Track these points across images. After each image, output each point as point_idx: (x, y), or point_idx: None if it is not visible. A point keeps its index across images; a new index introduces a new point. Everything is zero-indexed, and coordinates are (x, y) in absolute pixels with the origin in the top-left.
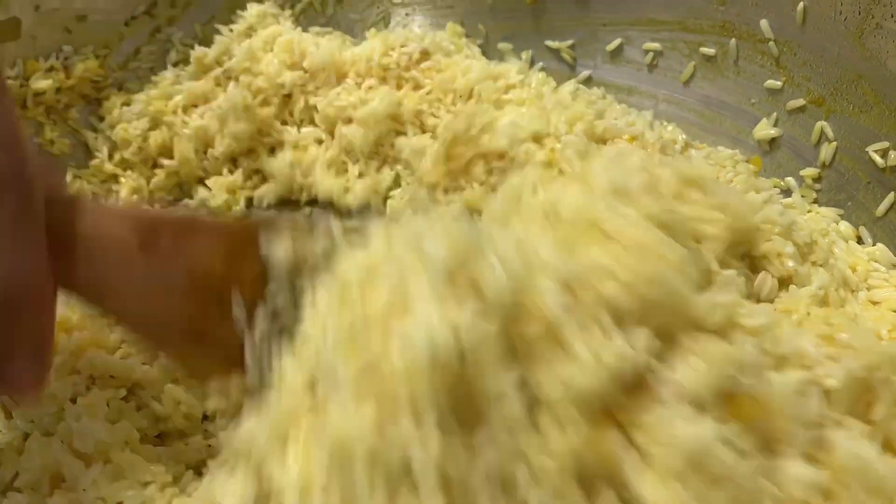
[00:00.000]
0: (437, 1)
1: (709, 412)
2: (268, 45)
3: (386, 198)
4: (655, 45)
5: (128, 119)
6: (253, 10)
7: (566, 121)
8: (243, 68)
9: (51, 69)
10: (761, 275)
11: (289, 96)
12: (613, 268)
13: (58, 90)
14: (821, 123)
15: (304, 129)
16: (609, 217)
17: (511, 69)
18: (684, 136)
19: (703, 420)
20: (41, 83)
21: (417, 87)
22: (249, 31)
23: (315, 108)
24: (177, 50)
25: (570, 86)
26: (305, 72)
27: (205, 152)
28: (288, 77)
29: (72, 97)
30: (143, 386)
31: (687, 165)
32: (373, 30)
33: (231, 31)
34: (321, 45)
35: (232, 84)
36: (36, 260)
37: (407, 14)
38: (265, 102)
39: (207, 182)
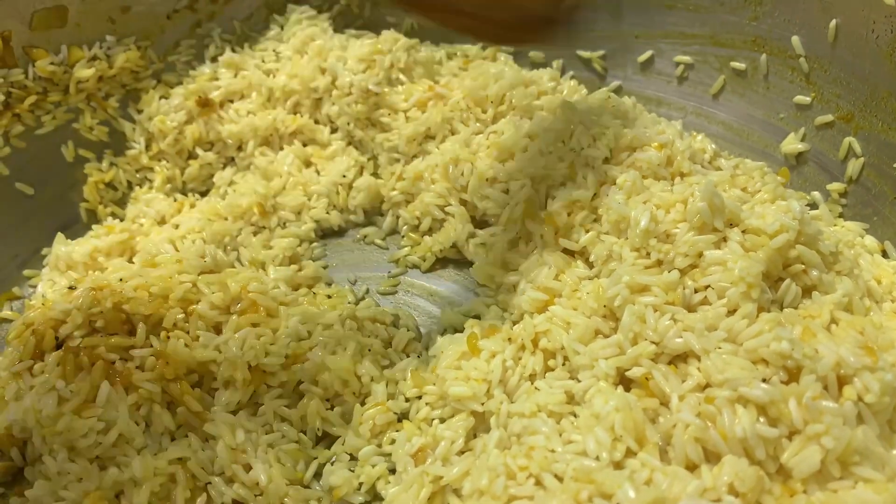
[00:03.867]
0: None
1: None
2: (304, 47)
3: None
4: (686, 58)
5: (165, 111)
6: (291, 14)
7: (592, 135)
8: (277, 69)
9: (94, 58)
10: (785, 282)
11: (320, 99)
12: None
13: (99, 79)
14: (849, 139)
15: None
16: None
17: (543, 76)
18: (713, 146)
19: None
20: (84, 71)
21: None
22: (286, 35)
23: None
24: (216, 45)
25: (601, 93)
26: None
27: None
28: (321, 82)
29: (112, 86)
30: None
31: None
32: None
33: (269, 28)
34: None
35: None
36: None
37: None
38: (298, 104)
39: None
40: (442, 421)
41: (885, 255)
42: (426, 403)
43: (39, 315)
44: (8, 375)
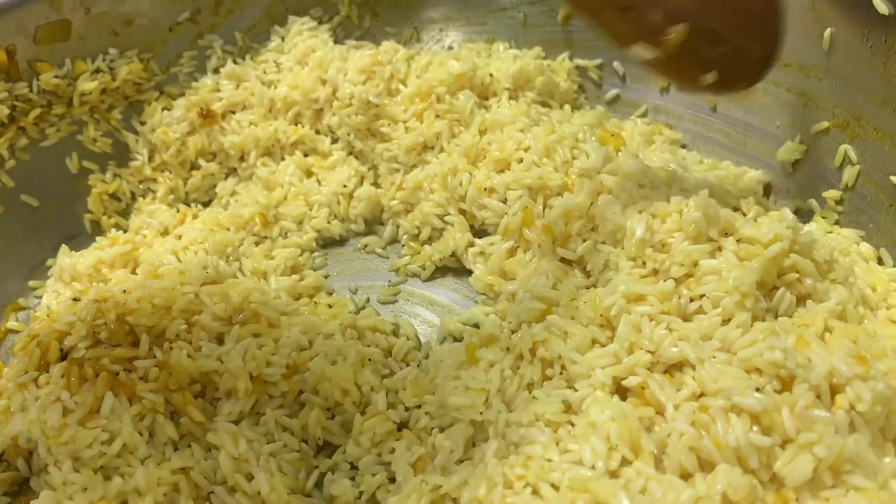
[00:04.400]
0: (470, 18)
1: None
2: (305, 58)
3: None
4: None
5: (167, 123)
6: (292, 26)
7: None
8: (278, 80)
9: (97, 70)
10: (780, 291)
11: (321, 109)
12: None
13: (103, 91)
14: (844, 147)
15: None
16: None
17: None
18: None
19: None
20: (88, 84)
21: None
22: (287, 46)
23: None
24: (217, 56)
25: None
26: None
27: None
28: (322, 93)
29: (115, 98)
30: None
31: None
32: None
33: (271, 40)
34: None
35: None
36: None
37: (441, 29)
38: (299, 115)
39: None
40: (441, 430)
41: (880, 262)
42: (425, 413)
43: (44, 327)
44: (14, 387)
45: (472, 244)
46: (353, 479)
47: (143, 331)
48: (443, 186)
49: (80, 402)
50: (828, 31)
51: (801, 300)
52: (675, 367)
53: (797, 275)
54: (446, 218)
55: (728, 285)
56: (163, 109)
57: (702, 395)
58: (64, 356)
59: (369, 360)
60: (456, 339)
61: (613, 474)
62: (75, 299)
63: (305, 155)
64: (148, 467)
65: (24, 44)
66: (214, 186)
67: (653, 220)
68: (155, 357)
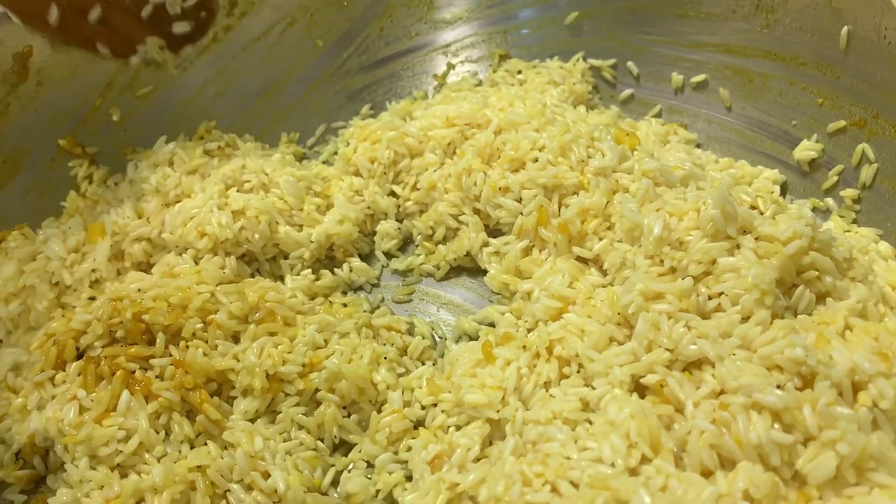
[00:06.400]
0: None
1: None
2: None
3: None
4: (699, 66)
5: None
6: None
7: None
8: None
9: None
10: (799, 289)
11: None
12: None
13: None
14: (862, 145)
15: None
16: None
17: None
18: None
19: None
20: None
21: None
22: None
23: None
24: None
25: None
26: None
27: None
28: None
29: None
30: None
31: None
32: None
33: None
34: None
35: None
36: None
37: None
38: None
39: None
40: (458, 428)
41: None
42: (442, 411)
43: (61, 325)
44: (31, 385)
45: (486, 244)
46: (369, 477)
47: (159, 329)
48: (457, 186)
49: (96, 400)
50: (844, 29)
51: (821, 298)
52: (693, 365)
53: (816, 272)
54: (461, 218)
55: (747, 283)
56: None
57: (722, 392)
58: (80, 354)
59: (385, 358)
60: (471, 338)
61: (633, 472)
62: (91, 298)
63: None
64: (164, 465)
65: (42, 45)
66: None
67: (670, 218)
68: (171, 355)
